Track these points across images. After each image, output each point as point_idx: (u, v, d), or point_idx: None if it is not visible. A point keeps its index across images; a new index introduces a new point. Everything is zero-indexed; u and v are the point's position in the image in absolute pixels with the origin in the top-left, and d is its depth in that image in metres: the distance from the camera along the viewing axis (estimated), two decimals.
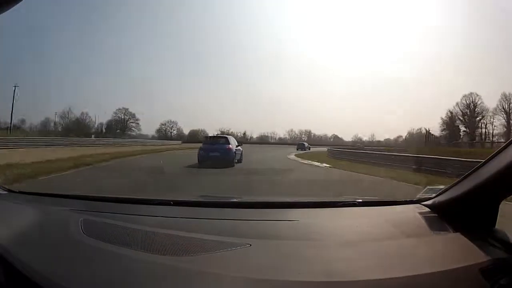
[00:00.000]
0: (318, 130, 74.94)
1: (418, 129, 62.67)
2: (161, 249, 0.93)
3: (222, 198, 2.14)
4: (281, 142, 59.85)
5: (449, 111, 52.44)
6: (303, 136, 65.73)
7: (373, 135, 63.42)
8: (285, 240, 1.05)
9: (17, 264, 0.84)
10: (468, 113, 51.03)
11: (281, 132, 66.69)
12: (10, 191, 1.61)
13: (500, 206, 1.02)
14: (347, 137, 69.07)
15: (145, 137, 51.74)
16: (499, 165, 0.91)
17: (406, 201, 1.39)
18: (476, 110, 50.54)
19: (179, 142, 49.43)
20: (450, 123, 51.57)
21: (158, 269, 0.83)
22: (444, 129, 53.28)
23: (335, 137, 65.47)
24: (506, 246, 0.91)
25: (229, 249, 0.93)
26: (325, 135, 65.06)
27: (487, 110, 49.14)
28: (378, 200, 1.58)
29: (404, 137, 63.57)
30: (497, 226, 1.02)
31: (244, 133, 54.60)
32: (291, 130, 64.90)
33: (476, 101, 50.62)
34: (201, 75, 78.63)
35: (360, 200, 1.45)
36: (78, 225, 1.10)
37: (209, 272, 0.82)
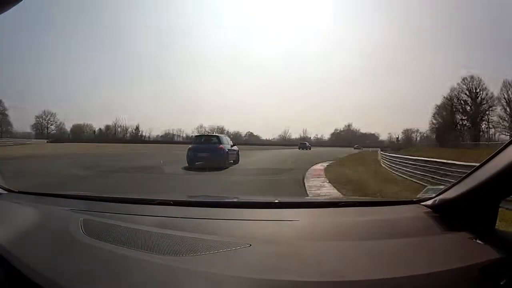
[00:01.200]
0: (233, 127, 69.25)
1: (346, 126, 60.49)
2: (161, 249, 0.93)
3: (222, 198, 2.15)
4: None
5: (447, 97, 43.62)
6: (214, 133, 61.38)
7: (305, 130, 60.93)
8: (285, 240, 1.05)
9: (17, 264, 0.85)
10: (470, 101, 42.85)
11: (189, 129, 59.62)
12: (10, 191, 1.61)
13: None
14: (266, 135, 64.76)
15: (15, 135, 40.59)
16: (499, 165, 0.90)
17: (406, 201, 1.38)
18: (478, 97, 42.04)
19: (44, 141, 35.08)
20: (450, 114, 42.85)
21: (158, 269, 0.84)
22: (438, 123, 45.28)
23: (251, 134, 61.62)
24: (506, 246, 0.91)
25: (229, 249, 0.93)
26: (239, 132, 60.28)
27: (493, 98, 40.60)
28: (378, 200, 1.58)
29: (332, 134, 61.24)
30: (497, 226, 1.02)
31: (137, 127, 45.58)
32: (201, 126, 57.91)
33: (479, 86, 42.02)
34: (91, 57, 70.16)
35: (360, 200, 1.45)
36: (78, 225, 1.10)
37: (209, 272, 0.82)
